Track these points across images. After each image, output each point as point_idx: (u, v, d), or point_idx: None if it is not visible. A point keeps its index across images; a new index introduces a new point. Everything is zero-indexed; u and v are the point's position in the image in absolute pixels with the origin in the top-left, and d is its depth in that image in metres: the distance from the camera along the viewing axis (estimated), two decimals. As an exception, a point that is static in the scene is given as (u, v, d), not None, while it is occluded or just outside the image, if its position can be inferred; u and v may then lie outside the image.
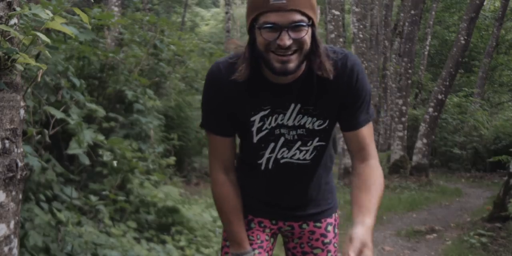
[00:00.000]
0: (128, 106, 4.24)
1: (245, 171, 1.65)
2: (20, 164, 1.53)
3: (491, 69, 15.88)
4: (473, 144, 12.27)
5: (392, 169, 9.67)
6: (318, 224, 1.70)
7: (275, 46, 1.32)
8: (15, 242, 1.57)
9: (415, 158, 9.65)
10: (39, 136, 2.76)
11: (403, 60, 10.17)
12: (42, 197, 2.80)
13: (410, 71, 10.16)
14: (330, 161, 1.68)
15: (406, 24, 10.23)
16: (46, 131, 2.75)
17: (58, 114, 2.80)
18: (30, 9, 1.51)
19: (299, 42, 1.33)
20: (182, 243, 3.50)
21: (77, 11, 1.66)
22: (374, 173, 1.52)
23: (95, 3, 5.29)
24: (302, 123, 1.51)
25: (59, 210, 2.83)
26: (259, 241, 1.67)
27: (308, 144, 1.55)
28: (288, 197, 1.65)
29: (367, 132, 1.54)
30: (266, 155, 1.57)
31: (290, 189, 1.63)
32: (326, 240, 1.70)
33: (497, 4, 17.82)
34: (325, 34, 18.68)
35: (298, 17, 1.31)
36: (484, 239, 4.80)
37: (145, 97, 4.23)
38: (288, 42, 1.31)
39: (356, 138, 1.54)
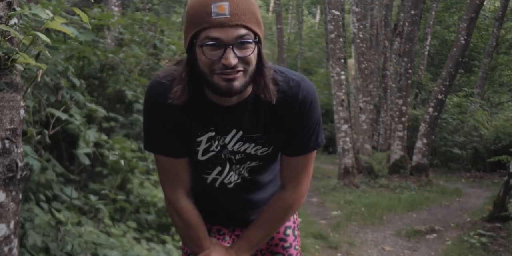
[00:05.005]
0: (128, 106, 4.24)
1: (194, 182, 1.55)
2: (20, 164, 1.53)
3: (491, 69, 15.86)
4: (473, 144, 12.26)
5: (392, 169, 9.67)
6: None
7: (220, 66, 1.20)
8: (15, 242, 1.57)
9: (415, 158, 9.65)
10: (39, 136, 2.75)
11: (403, 60, 10.17)
12: (42, 197, 2.80)
13: (410, 71, 10.15)
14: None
15: (406, 24, 10.22)
16: (46, 131, 2.75)
17: (63, 116, 2.81)
18: (30, 9, 1.51)
19: (245, 61, 1.21)
20: (182, 243, 3.50)
21: (77, 11, 1.66)
22: (285, 209, 1.51)
23: (95, 3, 5.29)
24: (242, 150, 1.43)
25: (59, 210, 2.83)
26: None
27: (247, 163, 1.48)
28: (239, 207, 1.60)
29: (304, 160, 1.47)
30: (212, 175, 1.51)
31: (239, 200, 1.58)
32: (286, 245, 1.68)
33: (497, 4, 17.81)
34: (325, 34, 18.72)
35: (243, 32, 1.19)
36: (484, 239, 4.81)
37: (145, 97, 4.21)
38: (233, 60, 1.18)
39: (291, 164, 1.48)
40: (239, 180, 1.52)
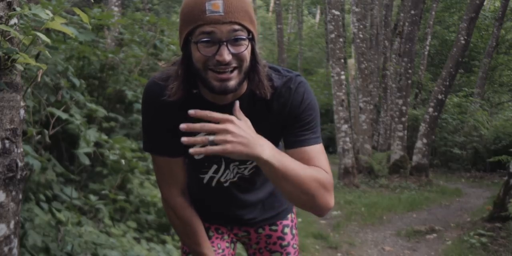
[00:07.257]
0: (128, 106, 4.24)
1: (190, 183, 1.55)
2: (20, 164, 1.53)
3: (491, 69, 15.87)
4: (473, 144, 12.27)
5: (392, 169, 9.67)
6: (274, 227, 1.69)
7: (214, 62, 1.22)
8: (15, 242, 1.57)
9: (415, 158, 9.65)
10: (39, 136, 2.75)
11: (403, 60, 10.17)
12: (42, 197, 2.80)
13: (410, 71, 10.16)
14: None
15: (406, 24, 10.22)
16: (46, 131, 2.75)
17: (63, 115, 2.81)
18: (30, 9, 1.51)
19: (239, 58, 1.23)
20: (182, 243, 3.49)
21: (77, 11, 1.66)
22: (318, 171, 1.33)
23: (95, 3, 5.29)
24: None
25: (59, 210, 2.83)
26: (220, 250, 1.65)
27: (248, 163, 1.48)
28: (236, 206, 1.61)
29: (313, 152, 1.37)
30: (209, 174, 1.52)
31: (235, 199, 1.59)
32: (284, 243, 1.70)
33: (497, 4, 17.82)
34: (325, 34, 18.73)
35: (237, 30, 1.21)
36: (484, 239, 4.81)
37: (145, 97, 4.20)
38: (228, 57, 1.20)
39: (300, 157, 1.34)
40: (235, 179, 1.54)
